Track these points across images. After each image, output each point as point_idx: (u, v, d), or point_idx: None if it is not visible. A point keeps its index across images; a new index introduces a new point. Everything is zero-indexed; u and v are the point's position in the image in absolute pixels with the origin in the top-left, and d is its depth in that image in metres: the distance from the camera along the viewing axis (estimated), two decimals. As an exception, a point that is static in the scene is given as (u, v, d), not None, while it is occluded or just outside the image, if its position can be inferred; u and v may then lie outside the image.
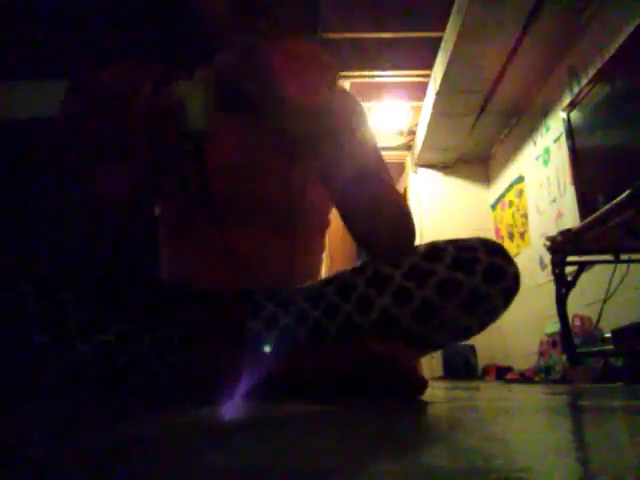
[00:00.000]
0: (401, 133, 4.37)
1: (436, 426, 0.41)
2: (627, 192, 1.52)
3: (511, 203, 3.82)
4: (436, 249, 0.66)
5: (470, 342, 3.70)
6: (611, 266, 1.93)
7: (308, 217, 0.81)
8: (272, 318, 0.68)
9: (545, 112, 3.16)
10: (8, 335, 0.61)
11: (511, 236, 3.80)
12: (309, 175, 0.75)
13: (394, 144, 4.41)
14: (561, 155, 2.89)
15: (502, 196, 3.99)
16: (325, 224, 0.89)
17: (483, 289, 0.62)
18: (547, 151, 3.17)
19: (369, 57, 3.29)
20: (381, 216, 0.68)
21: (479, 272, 0.62)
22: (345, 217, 0.70)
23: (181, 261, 0.83)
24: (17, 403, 0.59)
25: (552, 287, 1.98)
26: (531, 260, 3.37)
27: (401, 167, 4.55)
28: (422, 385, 0.64)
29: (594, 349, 2.00)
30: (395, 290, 0.64)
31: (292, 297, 0.70)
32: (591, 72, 2.43)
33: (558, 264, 1.93)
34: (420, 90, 3.63)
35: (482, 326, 0.66)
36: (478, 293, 0.62)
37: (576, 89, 2.65)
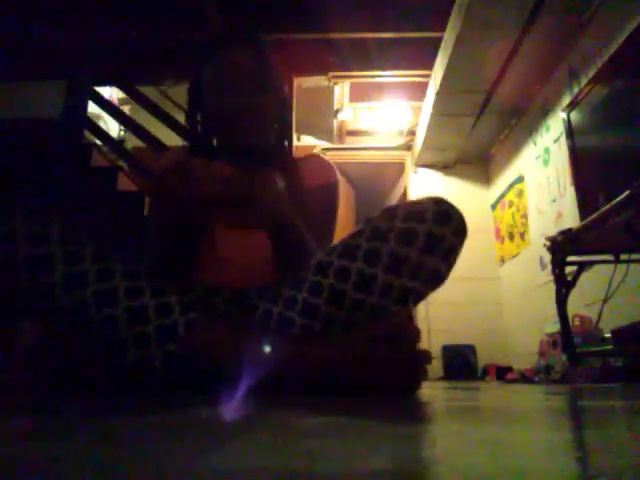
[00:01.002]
0: (401, 133, 4.37)
1: (435, 426, 0.41)
2: (627, 192, 1.52)
3: (511, 203, 3.82)
4: (390, 210, 0.76)
5: (470, 342, 3.70)
6: (611, 266, 1.93)
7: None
8: (266, 313, 0.76)
9: (545, 112, 3.16)
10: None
11: (511, 236, 3.80)
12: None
13: (394, 144, 4.41)
14: (561, 155, 2.89)
15: (502, 196, 3.99)
16: None
17: (436, 231, 0.71)
18: (547, 151, 3.17)
19: (369, 57, 3.30)
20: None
21: (429, 219, 0.71)
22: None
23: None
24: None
25: (552, 287, 1.98)
26: (531, 260, 3.37)
27: (401, 167, 4.54)
28: (426, 357, 0.68)
29: (594, 349, 2.00)
30: (365, 253, 0.71)
31: (280, 291, 0.77)
32: (591, 72, 2.44)
33: (558, 264, 1.93)
34: (420, 90, 3.63)
35: (448, 267, 0.74)
36: (433, 235, 0.71)
37: (576, 89, 2.65)
